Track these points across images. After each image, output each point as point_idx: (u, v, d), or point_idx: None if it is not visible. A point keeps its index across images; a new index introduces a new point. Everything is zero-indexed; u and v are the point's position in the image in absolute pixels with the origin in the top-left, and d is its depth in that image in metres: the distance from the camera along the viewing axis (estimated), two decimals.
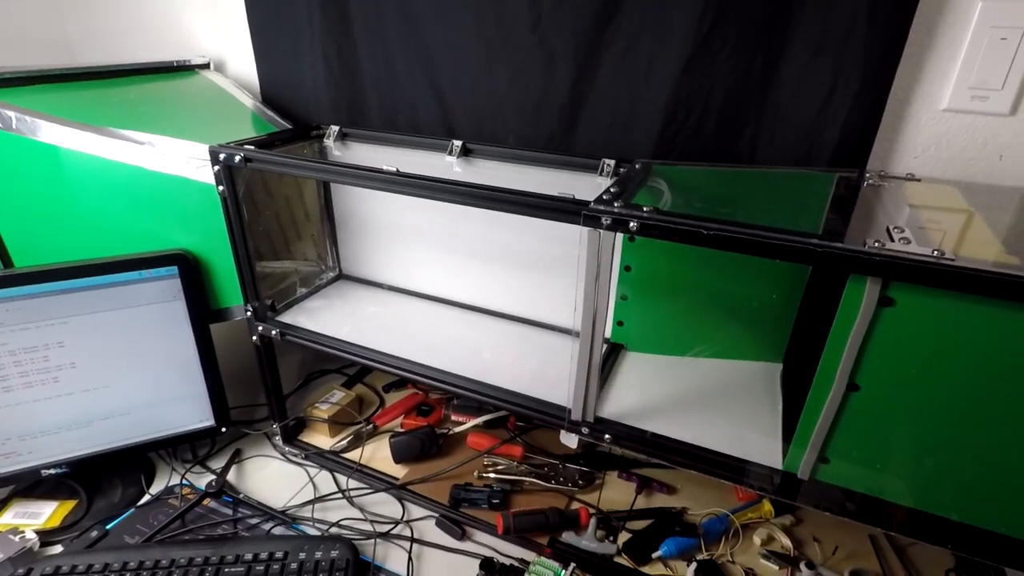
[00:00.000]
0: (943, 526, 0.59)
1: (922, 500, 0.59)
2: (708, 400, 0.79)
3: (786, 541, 0.82)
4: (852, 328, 0.54)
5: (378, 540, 0.83)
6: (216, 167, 0.80)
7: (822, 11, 0.75)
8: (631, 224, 0.58)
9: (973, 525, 0.58)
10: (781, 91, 0.81)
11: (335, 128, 1.00)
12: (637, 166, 0.80)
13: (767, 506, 0.86)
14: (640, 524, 0.85)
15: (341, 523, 0.85)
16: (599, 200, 0.61)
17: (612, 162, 0.83)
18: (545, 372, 0.84)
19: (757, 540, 0.82)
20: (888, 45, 0.74)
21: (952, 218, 0.68)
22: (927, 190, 0.74)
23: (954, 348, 0.52)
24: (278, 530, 0.85)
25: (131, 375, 0.88)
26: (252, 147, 0.80)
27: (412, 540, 0.83)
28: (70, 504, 0.88)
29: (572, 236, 0.62)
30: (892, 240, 0.52)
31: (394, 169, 0.71)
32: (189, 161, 0.82)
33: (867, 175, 0.76)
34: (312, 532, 0.85)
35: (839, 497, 0.62)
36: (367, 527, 0.85)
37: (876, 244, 0.50)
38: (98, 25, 1.29)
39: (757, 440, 0.70)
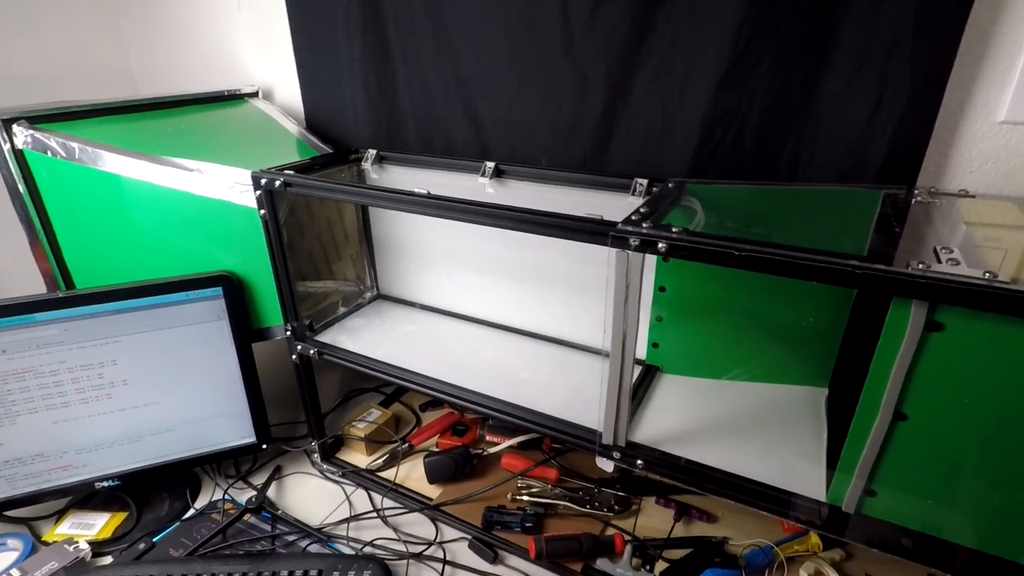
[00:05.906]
0: (1013, 571, 0.54)
1: (986, 541, 0.55)
2: (747, 426, 0.75)
3: None
4: (897, 354, 0.51)
5: (411, 561, 0.83)
6: (258, 192, 0.83)
7: (865, 22, 0.72)
8: (660, 245, 0.57)
9: None
10: (823, 106, 0.78)
11: (372, 152, 1.03)
12: (670, 185, 0.78)
13: (814, 539, 0.82)
14: (678, 553, 0.83)
15: (375, 542, 0.86)
16: (627, 221, 0.60)
17: (644, 182, 0.82)
18: (582, 394, 0.83)
19: (804, 575, 0.78)
20: (937, 56, 0.71)
21: (1012, 236, 0.64)
22: (983, 207, 0.69)
23: (1012, 377, 0.48)
24: (314, 548, 0.86)
25: (178, 392, 0.92)
26: (292, 172, 0.83)
27: (444, 562, 0.83)
28: (121, 516, 0.92)
29: (605, 256, 0.61)
30: (939, 261, 0.49)
31: (424, 192, 0.72)
32: (233, 186, 0.86)
33: (916, 192, 0.72)
34: (346, 551, 0.85)
35: (893, 534, 0.58)
36: (400, 547, 0.85)
37: (921, 266, 0.47)
38: (161, 58, 1.37)
39: (799, 469, 0.67)
